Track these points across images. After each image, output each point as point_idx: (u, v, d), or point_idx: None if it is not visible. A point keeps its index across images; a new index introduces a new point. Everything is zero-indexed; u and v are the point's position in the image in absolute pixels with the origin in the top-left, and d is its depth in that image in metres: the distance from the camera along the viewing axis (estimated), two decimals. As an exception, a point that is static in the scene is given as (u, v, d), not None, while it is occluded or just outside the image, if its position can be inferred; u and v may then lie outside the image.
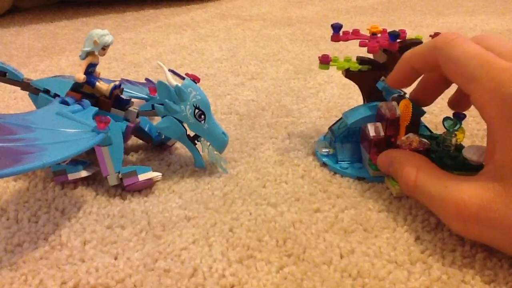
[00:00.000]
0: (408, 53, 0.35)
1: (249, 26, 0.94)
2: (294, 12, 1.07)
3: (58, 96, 0.38)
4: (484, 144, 0.34)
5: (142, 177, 0.36)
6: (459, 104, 0.38)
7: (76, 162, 0.37)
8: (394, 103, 0.36)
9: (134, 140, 0.45)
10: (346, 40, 0.40)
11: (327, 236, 0.32)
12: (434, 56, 0.32)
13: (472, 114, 0.48)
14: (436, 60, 0.32)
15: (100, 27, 0.39)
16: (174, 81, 0.36)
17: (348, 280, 0.28)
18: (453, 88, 0.38)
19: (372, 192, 0.37)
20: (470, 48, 0.29)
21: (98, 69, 0.39)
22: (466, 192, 0.28)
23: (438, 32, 0.41)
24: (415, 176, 0.32)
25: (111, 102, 0.39)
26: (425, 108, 0.39)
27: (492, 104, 0.28)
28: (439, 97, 0.38)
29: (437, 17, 0.99)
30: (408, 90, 0.38)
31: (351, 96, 0.56)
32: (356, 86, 0.43)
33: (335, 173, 0.39)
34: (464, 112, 0.38)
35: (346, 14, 1.04)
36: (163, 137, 0.43)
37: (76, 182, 0.38)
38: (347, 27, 0.41)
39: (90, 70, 0.38)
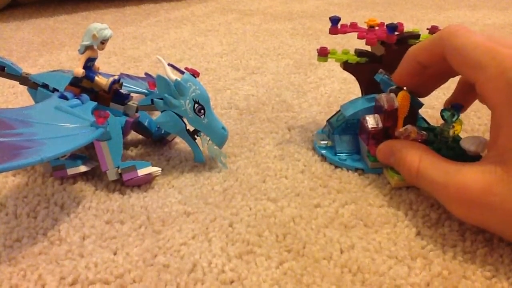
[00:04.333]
0: (413, 48, 0.35)
1: (249, 20, 0.93)
2: (294, 7, 1.06)
3: (57, 90, 0.38)
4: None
5: (141, 172, 0.36)
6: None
7: (75, 157, 0.37)
8: (392, 94, 0.36)
9: (133, 135, 0.45)
10: (344, 33, 0.40)
11: (327, 231, 0.32)
12: (440, 48, 0.32)
13: (473, 109, 0.48)
14: (442, 52, 0.32)
15: (100, 22, 0.39)
16: (173, 76, 0.36)
17: (348, 275, 0.28)
18: (451, 88, 0.38)
19: (373, 187, 0.36)
20: (475, 37, 0.30)
21: (97, 63, 0.39)
22: (467, 176, 0.28)
23: (435, 26, 0.40)
24: (417, 163, 0.32)
25: (110, 97, 0.38)
26: (426, 103, 0.39)
27: (497, 90, 0.28)
28: (442, 93, 0.38)
29: (439, 12, 0.98)
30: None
31: (352, 90, 0.56)
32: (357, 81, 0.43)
33: (335, 166, 0.39)
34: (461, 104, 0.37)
35: (347, 8, 1.03)
36: (162, 132, 0.43)
37: (75, 177, 0.38)
38: (348, 22, 0.40)
39: (89, 65, 0.38)
